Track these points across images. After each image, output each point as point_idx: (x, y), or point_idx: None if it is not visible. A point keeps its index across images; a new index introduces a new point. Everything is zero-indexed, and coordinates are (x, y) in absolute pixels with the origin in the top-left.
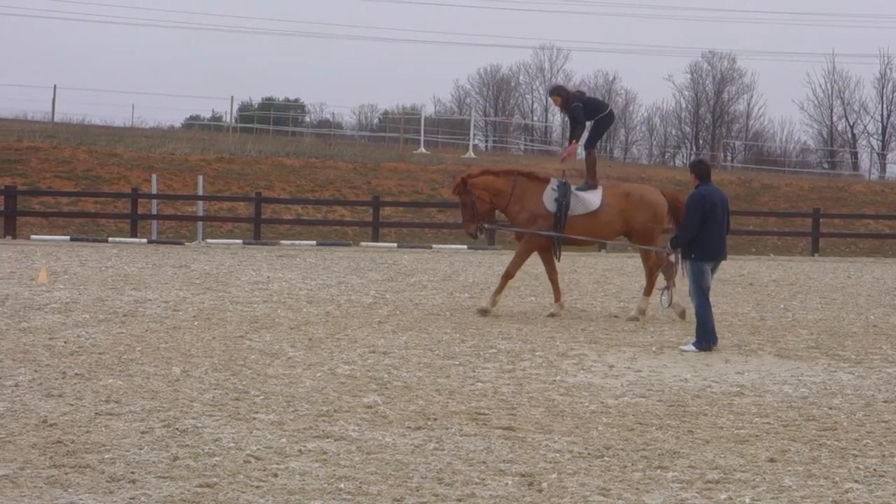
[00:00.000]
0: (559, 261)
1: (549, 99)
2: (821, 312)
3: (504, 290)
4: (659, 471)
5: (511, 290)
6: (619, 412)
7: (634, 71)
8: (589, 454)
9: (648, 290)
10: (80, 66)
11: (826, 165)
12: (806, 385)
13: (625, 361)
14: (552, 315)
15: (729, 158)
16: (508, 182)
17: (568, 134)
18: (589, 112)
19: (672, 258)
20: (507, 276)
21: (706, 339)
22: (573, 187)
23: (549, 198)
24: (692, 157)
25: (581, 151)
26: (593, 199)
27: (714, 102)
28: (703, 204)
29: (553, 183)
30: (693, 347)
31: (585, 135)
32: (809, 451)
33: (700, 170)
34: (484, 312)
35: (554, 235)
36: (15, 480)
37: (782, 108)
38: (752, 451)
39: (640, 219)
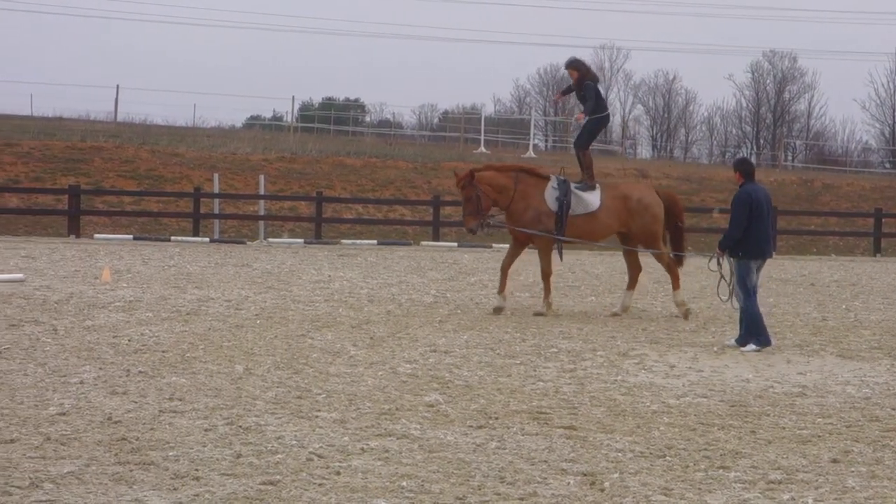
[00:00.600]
0: (561, 260)
1: (566, 71)
2: (883, 313)
3: (551, 289)
4: (721, 471)
5: (572, 290)
6: (681, 412)
7: (695, 70)
8: (651, 454)
9: (632, 285)
10: (143, 67)
11: (888, 165)
12: (869, 386)
13: (686, 361)
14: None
15: (789, 158)
16: (511, 179)
17: (563, 90)
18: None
19: (715, 261)
20: (546, 275)
21: (762, 334)
22: (573, 185)
23: (550, 196)
24: (737, 156)
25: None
26: (593, 199)
27: (775, 102)
28: (750, 202)
29: (553, 181)
30: (754, 346)
31: (588, 126)
32: (872, 452)
33: (745, 168)
34: (540, 314)
35: (552, 237)
36: (80, 477)
37: (844, 108)
38: (815, 451)
39: (639, 222)
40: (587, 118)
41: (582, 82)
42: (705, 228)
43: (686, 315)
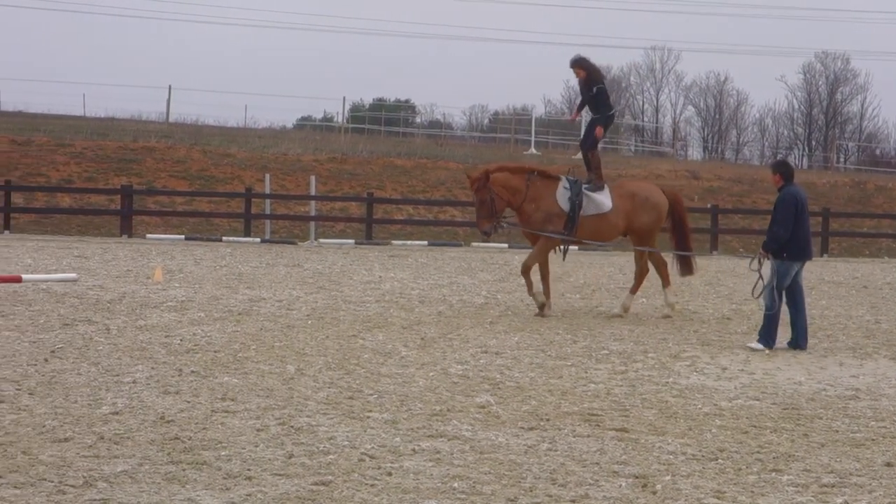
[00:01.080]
0: (563, 260)
1: (572, 71)
2: None
3: (550, 289)
4: (774, 474)
5: (623, 291)
6: (733, 414)
7: (746, 71)
8: (703, 456)
9: (635, 288)
10: (195, 67)
11: None
12: None
13: (738, 364)
14: (541, 314)
15: (842, 160)
16: (524, 179)
17: (578, 104)
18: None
19: (756, 261)
20: (544, 276)
21: (772, 337)
22: (583, 186)
23: (562, 196)
24: (776, 158)
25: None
26: (605, 199)
27: (827, 103)
28: (795, 203)
29: (564, 181)
30: (761, 345)
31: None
32: None
33: (785, 170)
34: (542, 311)
35: (560, 237)
36: (133, 476)
37: None
38: (868, 454)
39: (644, 220)
40: (594, 117)
41: (590, 84)
42: (756, 230)
43: (622, 316)
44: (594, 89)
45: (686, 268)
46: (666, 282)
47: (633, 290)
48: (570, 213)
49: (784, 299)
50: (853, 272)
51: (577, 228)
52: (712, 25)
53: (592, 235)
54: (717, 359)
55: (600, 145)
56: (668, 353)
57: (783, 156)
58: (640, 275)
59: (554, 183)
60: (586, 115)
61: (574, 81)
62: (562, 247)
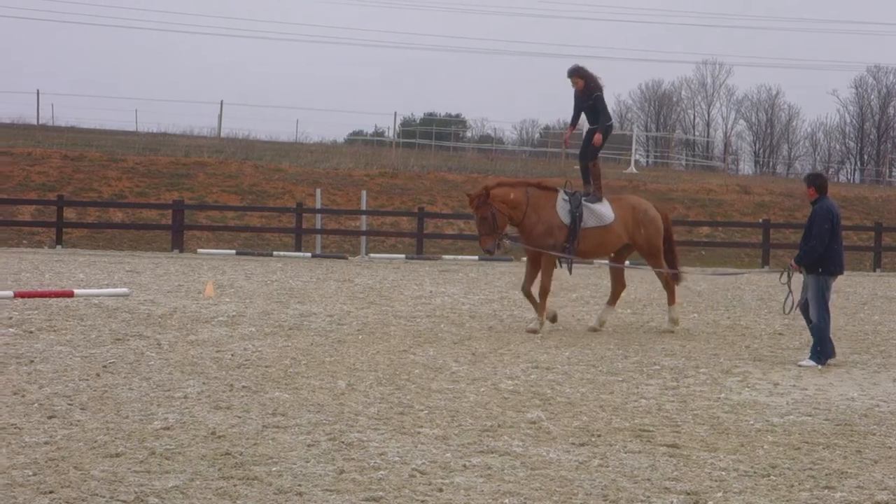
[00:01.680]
0: (570, 273)
1: (569, 81)
2: None
3: (546, 306)
4: (826, 491)
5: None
6: (785, 431)
7: (798, 86)
8: (755, 473)
9: (671, 299)
10: (246, 82)
11: None
12: None
13: (790, 379)
14: (532, 331)
15: (894, 174)
16: (523, 193)
17: (572, 117)
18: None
19: (786, 275)
20: (545, 292)
21: (826, 353)
22: (583, 199)
23: (562, 209)
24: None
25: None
26: (607, 212)
27: (879, 117)
28: (832, 217)
29: (562, 193)
30: (812, 362)
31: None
32: None
33: (820, 183)
34: (533, 331)
35: (560, 255)
36: (185, 491)
37: None
38: None
39: (644, 233)
40: (591, 128)
41: (590, 93)
42: None
43: (672, 330)
44: (593, 97)
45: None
46: (672, 298)
47: (611, 303)
48: (571, 226)
49: (822, 312)
50: None
51: (579, 241)
52: (763, 39)
53: (595, 248)
54: (769, 374)
55: (601, 154)
56: (719, 369)
57: (818, 170)
58: (616, 288)
59: (553, 195)
60: (580, 126)
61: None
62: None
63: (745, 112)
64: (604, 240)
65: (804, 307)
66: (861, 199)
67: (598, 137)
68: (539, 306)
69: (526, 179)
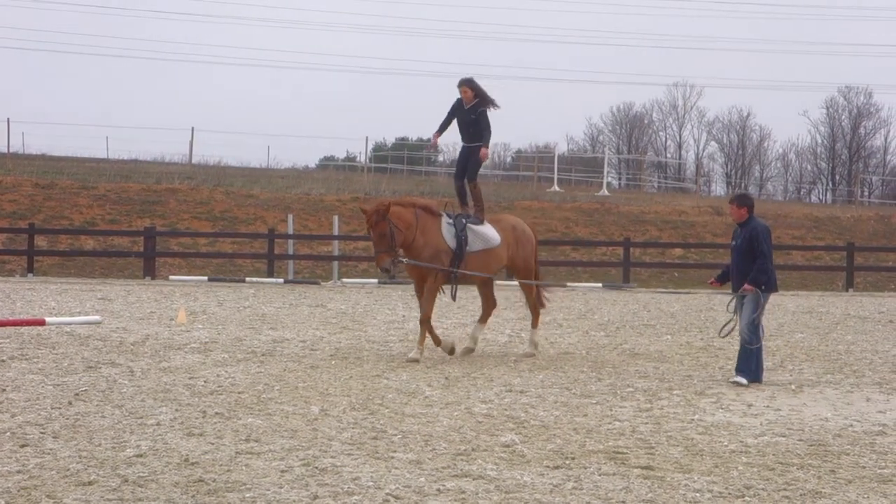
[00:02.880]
0: (454, 300)
1: (458, 90)
2: None
3: (427, 335)
4: None
5: (647, 329)
6: (759, 451)
7: (769, 107)
8: (729, 494)
9: (535, 322)
10: (217, 109)
11: None
12: None
13: (763, 400)
14: (413, 360)
15: (866, 194)
16: (413, 215)
17: (441, 124)
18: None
19: (737, 302)
20: (426, 319)
21: (758, 370)
22: (466, 221)
23: (448, 233)
24: (736, 192)
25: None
26: (492, 234)
27: (850, 137)
28: (769, 236)
29: (446, 217)
30: (743, 379)
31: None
32: None
33: (751, 204)
34: (414, 361)
35: (448, 269)
36: None
37: None
38: None
39: (522, 253)
40: (467, 146)
41: (475, 107)
42: (782, 265)
43: (533, 353)
44: (478, 111)
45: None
46: (536, 321)
47: (481, 321)
48: (456, 250)
49: (758, 331)
50: (879, 307)
51: (464, 265)
52: (735, 61)
53: (481, 270)
54: (743, 395)
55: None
56: (693, 391)
57: (743, 191)
58: (487, 308)
59: (438, 219)
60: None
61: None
62: (450, 286)
63: (717, 133)
64: (488, 262)
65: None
66: (833, 219)
67: (484, 152)
68: (421, 335)
69: (413, 200)
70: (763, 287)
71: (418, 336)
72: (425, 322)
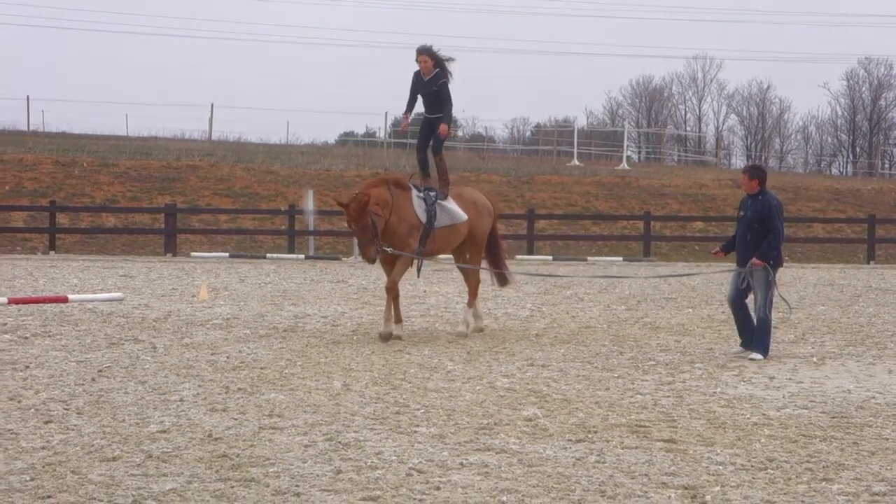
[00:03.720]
0: (418, 276)
1: (417, 60)
2: None
3: (395, 309)
4: (824, 483)
5: (668, 302)
6: (782, 424)
7: (789, 79)
8: (752, 466)
9: (472, 300)
10: (236, 85)
11: None
12: None
13: (785, 373)
14: (396, 337)
15: (887, 166)
16: (388, 192)
17: (408, 102)
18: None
19: (748, 276)
20: (393, 288)
21: (769, 345)
22: (434, 195)
23: (419, 207)
24: (750, 163)
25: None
26: (458, 210)
27: (871, 109)
28: (782, 210)
29: (415, 191)
30: (760, 355)
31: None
32: None
33: (763, 175)
34: (396, 337)
35: (414, 256)
36: (182, 494)
37: None
38: None
39: (483, 226)
40: (429, 117)
41: (436, 79)
42: (801, 238)
43: (464, 334)
44: (438, 83)
45: (502, 279)
46: (473, 299)
47: (471, 304)
48: (426, 225)
49: (736, 304)
50: None
51: (432, 241)
52: (754, 33)
53: (444, 247)
54: (765, 368)
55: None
56: (715, 364)
57: (756, 161)
58: (473, 286)
59: (408, 193)
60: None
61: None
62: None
63: (737, 106)
64: (451, 238)
65: (738, 301)
66: (853, 191)
67: (444, 128)
68: (388, 306)
69: (384, 177)
70: (771, 262)
71: (384, 309)
72: (392, 289)
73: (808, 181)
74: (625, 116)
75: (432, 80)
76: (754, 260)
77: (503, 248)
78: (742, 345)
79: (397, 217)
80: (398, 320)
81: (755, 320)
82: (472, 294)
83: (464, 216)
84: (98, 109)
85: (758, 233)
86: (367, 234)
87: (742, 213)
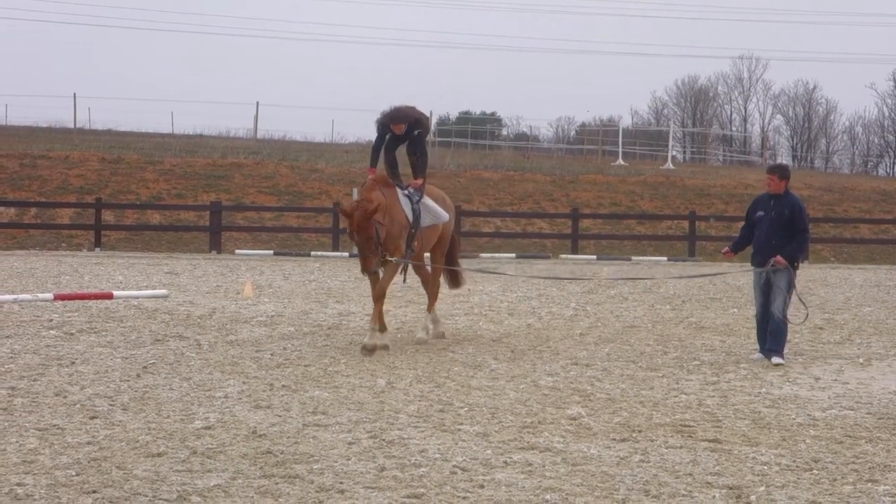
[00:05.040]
0: (405, 282)
1: (391, 127)
2: None
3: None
4: (870, 484)
5: (713, 302)
6: (827, 425)
7: (835, 79)
8: (797, 467)
9: (431, 305)
10: (282, 83)
11: None
12: None
13: (831, 374)
14: (378, 348)
15: None
16: (381, 195)
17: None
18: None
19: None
20: (381, 296)
21: (784, 346)
22: (416, 195)
23: (406, 206)
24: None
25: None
26: (438, 208)
27: None
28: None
29: (399, 189)
30: (782, 360)
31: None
32: None
33: (789, 175)
34: (372, 350)
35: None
36: (227, 490)
37: None
38: None
39: (451, 226)
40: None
41: (412, 129)
42: (847, 239)
43: (424, 340)
44: (416, 133)
45: (455, 281)
46: (433, 303)
47: (430, 308)
48: (412, 225)
49: (759, 310)
50: None
51: (419, 242)
52: (800, 34)
53: (427, 249)
54: (810, 369)
55: None
56: (760, 364)
57: (781, 162)
58: (433, 291)
59: (395, 191)
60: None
61: None
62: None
63: (783, 107)
64: (432, 239)
65: (768, 308)
66: None
67: (417, 182)
68: (375, 316)
69: (374, 179)
70: (796, 264)
71: (370, 319)
72: (382, 297)
73: (855, 182)
74: (670, 116)
75: (406, 134)
76: (778, 258)
77: (459, 247)
78: (762, 352)
79: (390, 218)
80: (383, 329)
81: (770, 322)
82: (433, 299)
83: (445, 215)
84: (143, 107)
85: (784, 233)
86: (372, 244)
87: (762, 214)
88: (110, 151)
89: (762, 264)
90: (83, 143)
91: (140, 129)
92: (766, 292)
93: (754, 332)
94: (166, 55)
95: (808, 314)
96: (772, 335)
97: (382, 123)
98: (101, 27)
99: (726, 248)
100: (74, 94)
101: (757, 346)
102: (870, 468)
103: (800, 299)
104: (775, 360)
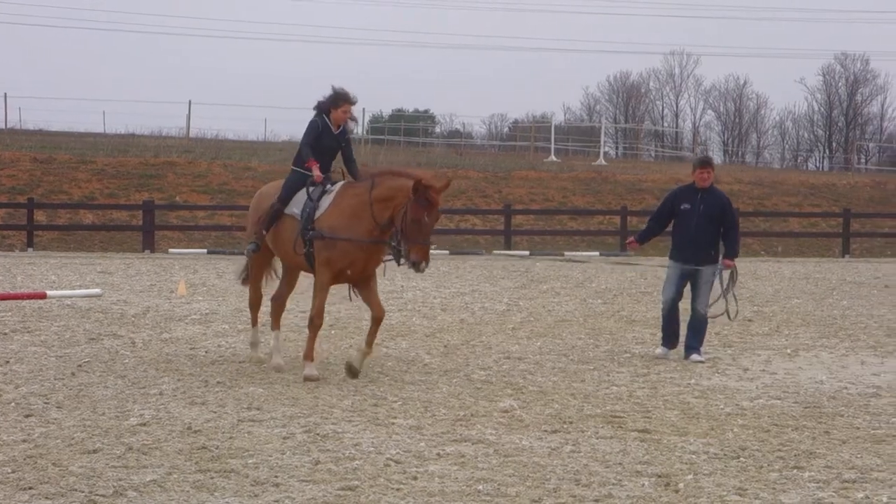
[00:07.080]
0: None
1: (340, 108)
2: None
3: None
4: (795, 471)
5: (644, 296)
6: (755, 414)
7: (765, 74)
8: (725, 455)
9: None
10: (214, 82)
11: None
12: None
13: (759, 364)
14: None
15: (862, 161)
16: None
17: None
18: None
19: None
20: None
21: (702, 343)
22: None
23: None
24: (702, 154)
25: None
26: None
27: (847, 105)
28: None
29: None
30: (701, 357)
31: None
32: None
33: (713, 168)
34: (315, 378)
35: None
36: (163, 485)
37: None
38: (890, 450)
39: None
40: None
41: (344, 133)
42: (777, 232)
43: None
44: (346, 138)
45: None
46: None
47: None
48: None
49: (669, 304)
50: (874, 272)
51: None
52: (731, 29)
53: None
54: (739, 360)
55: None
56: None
57: (705, 153)
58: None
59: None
60: None
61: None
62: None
63: (714, 102)
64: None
65: (677, 301)
66: (829, 186)
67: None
68: (313, 341)
69: (367, 168)
70: (718, 258)
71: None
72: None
73: (785, 176)
74: (602, 112)
75: (341, 135)
76: (726, 262)
77: None
78: (664, 345)
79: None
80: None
81: (692, 318)
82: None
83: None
84: (75, 107)
85: (713, 227)
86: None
87: (688, 207)
88: (42, 151)
89: (691, 259)
90: (14, 143)
91: (72, 129)
92: (681, 288)
93: (683, 325)
94: (98, 54)
95: (738, 311)
96: (693, 331)
97: (324, 109)
98: (29, 26)
99: (631, 238)
100: (5, 94)
101: (660, 341)
102: (795, 455)
103: (734, 296)
104: (694, 357)
